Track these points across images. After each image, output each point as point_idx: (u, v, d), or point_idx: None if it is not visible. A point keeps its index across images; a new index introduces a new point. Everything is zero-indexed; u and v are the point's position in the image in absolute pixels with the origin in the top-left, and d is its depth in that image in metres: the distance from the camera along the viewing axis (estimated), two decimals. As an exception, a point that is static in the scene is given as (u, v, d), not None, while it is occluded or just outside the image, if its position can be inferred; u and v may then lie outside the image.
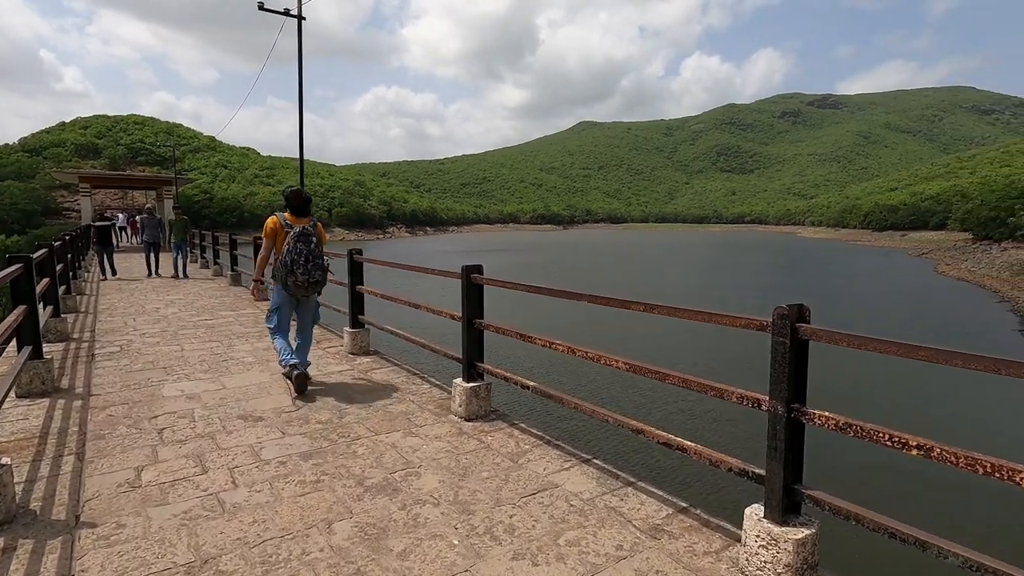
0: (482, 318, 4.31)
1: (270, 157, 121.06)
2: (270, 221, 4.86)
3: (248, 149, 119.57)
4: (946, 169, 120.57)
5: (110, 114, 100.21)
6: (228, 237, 14.59)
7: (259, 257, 4.99)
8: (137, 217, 34.46)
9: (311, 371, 5.19)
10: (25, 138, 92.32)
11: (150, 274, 14.85)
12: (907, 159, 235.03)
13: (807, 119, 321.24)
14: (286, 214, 4.85)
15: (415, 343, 5.43)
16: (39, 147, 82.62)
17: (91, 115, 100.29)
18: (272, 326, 5.00)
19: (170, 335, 7.50)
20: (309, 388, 4.90)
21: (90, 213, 28.89)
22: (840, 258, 51.58)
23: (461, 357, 4.40)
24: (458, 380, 4.37)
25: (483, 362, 4.38)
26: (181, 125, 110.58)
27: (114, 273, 14.67)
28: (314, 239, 4.74)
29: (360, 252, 6.48)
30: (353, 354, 6.16)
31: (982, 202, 48.46)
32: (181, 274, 14.65)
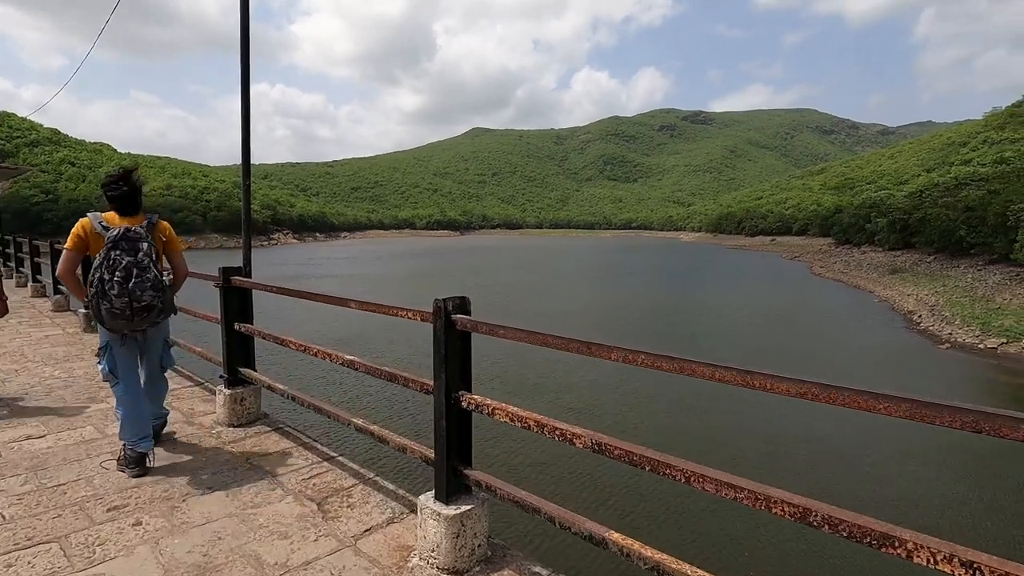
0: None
1: (130, 155, 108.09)
2: (78, 225, 3.16)
3: (102, 145, 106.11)
4: (801, 182, 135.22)
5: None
6: (49, 245, 8.44)
7: (61, 276, 3.20)
8: None
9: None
10: None
11: None
12: (767, 172, 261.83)
13: (683, 133, 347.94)
14: (106, 213, 3.18)
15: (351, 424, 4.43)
16: None
17: None
18: (104, 371, 3.23)
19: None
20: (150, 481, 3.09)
21: None
22: (727, 260, 55.24)
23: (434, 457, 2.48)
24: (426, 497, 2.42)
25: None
26: (14, 115, 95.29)
27: None
28: (144, 245, 3.05)
29: (244, 271, 4.08)
30: (233, 426, 3.76)
31: (840, 211, 54.07)
32: None
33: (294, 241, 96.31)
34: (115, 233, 2.97)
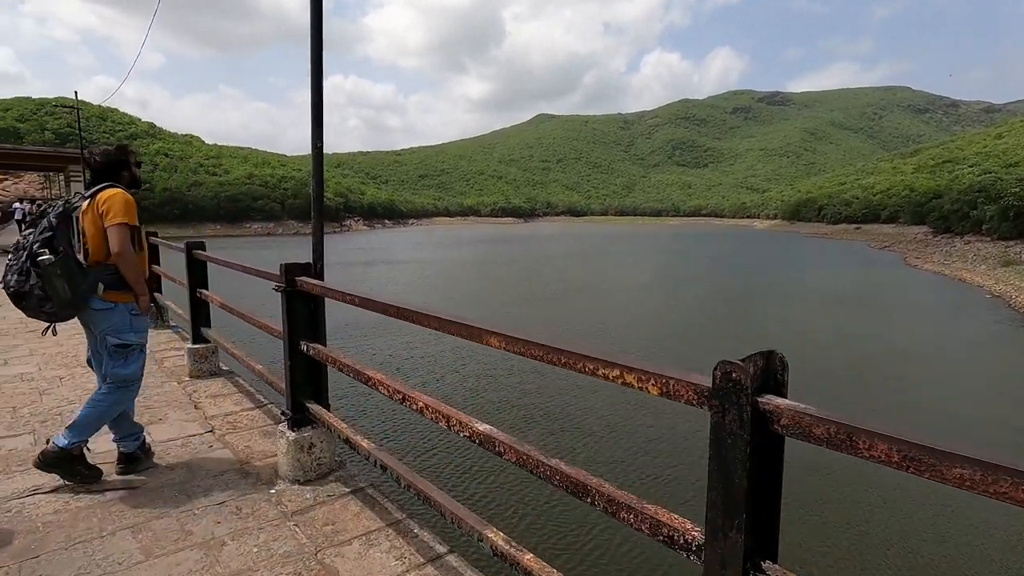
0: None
1: (216, 146, 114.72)
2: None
3: (192, 136, 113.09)
4: (891, 165, 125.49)
5: (34, 96, 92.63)
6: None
7: None
8: (28, 206, 27.79)
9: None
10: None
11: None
12: (851, 155, 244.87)
13: (758, 115, 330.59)
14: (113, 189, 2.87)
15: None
16: (-48, 131, 75.22)
17: (11, 97, 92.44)
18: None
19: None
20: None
21: None
22: (808, 249, 52.02)
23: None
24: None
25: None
26: (117, 110, 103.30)
27: None
28: (43, 222, 2.69)
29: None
30: (299, 482, 3.11)
31: (939, 196, 49.53)
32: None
33: (364, 228, 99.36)
34: (23, 209, 2.81)
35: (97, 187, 2.77)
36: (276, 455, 3.13)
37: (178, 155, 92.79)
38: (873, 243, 59.10)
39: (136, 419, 3.78)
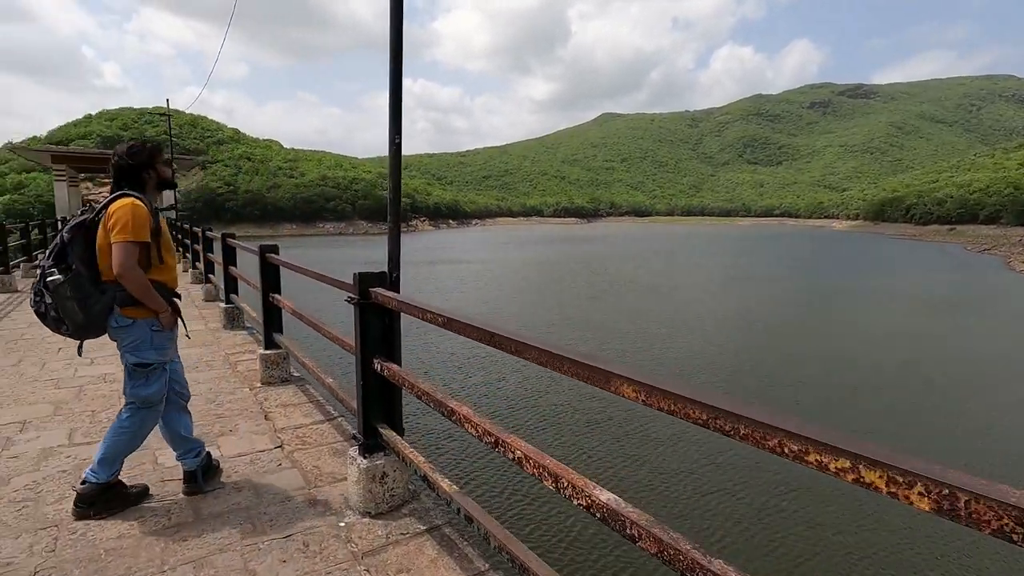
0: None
1: (293, 150, 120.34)
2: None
3: (271, 141, 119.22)
4: (991, 161, 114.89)
5: (136, 106, 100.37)
6: (202, 232, 9.25)
7: None
8: None
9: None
10: (53, 131, 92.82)
11: None
12: (944, 150, 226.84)
13: (838, 109, 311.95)
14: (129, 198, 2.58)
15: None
16: (66, 139, 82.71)
17: (117, 107, 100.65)
18: None
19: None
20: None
21: (67, 204, 22.76)
22: (898, 252, 48.18)
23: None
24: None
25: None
26: (206, 117, 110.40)
27: None
28: (61, 236, 2.46)
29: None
30: (370, 515, 2.83)
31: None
32: None
33: (429, 228, 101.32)
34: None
35: (111, 196, 2.53)
36: (345, 478, 2.91)
37: (259, 159, 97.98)
38: (970, 245, 54.18)
39: (207, 429, 3.69)
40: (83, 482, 2.57)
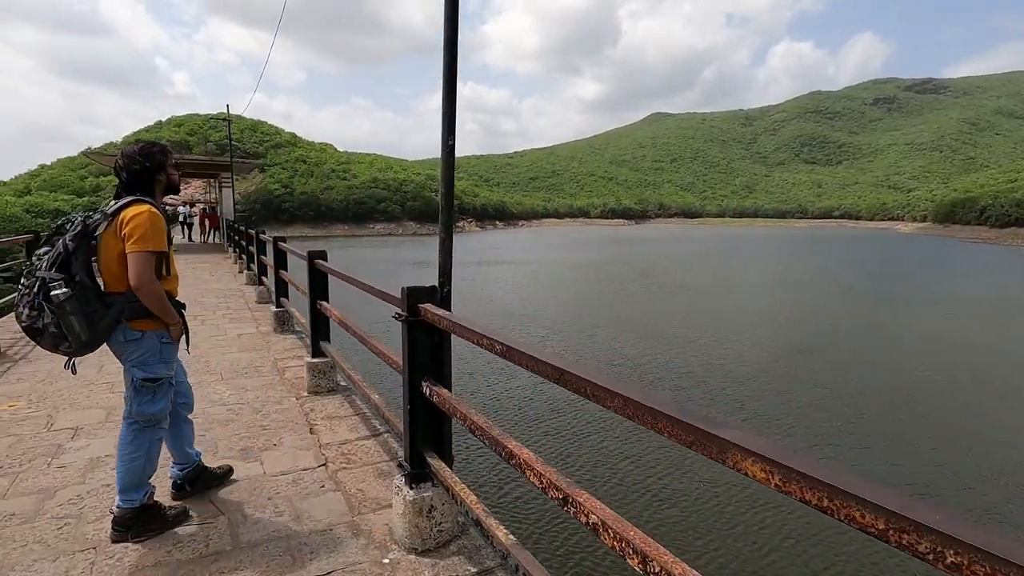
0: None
1: (347, 152, 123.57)
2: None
3: (326, 144, 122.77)
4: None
5: (201, 112, 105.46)
6: (255, 234, 9.67)
7: None
8: (188, 209, 30.50)
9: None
10: (127, 136, 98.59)
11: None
12: (1023, 148, 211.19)
13: (904, 105, 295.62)
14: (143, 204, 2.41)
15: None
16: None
17: (184, 114, 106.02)
18: None
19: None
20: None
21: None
22: (991, 258, 44.97)
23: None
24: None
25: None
26: (265, 122, 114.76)
27: None
28: (65, 244, 2.24)
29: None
30: (416, 551, 2.62)
31: None
32: None
33: (477, 229, 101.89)
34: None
35: (122, 202, 2.37)
36: (390, 504, 2.72)
37: (314, 161, 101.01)
38: (1058, 251, 49.96)
39: (252, 442, 3.56)
40: (118, 506, 2.48)
